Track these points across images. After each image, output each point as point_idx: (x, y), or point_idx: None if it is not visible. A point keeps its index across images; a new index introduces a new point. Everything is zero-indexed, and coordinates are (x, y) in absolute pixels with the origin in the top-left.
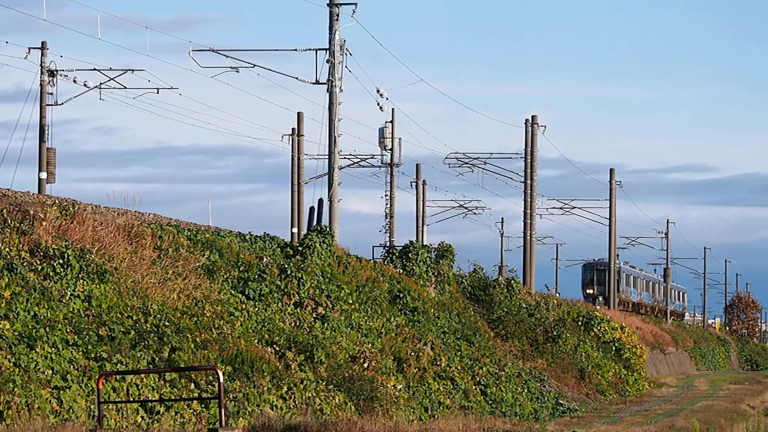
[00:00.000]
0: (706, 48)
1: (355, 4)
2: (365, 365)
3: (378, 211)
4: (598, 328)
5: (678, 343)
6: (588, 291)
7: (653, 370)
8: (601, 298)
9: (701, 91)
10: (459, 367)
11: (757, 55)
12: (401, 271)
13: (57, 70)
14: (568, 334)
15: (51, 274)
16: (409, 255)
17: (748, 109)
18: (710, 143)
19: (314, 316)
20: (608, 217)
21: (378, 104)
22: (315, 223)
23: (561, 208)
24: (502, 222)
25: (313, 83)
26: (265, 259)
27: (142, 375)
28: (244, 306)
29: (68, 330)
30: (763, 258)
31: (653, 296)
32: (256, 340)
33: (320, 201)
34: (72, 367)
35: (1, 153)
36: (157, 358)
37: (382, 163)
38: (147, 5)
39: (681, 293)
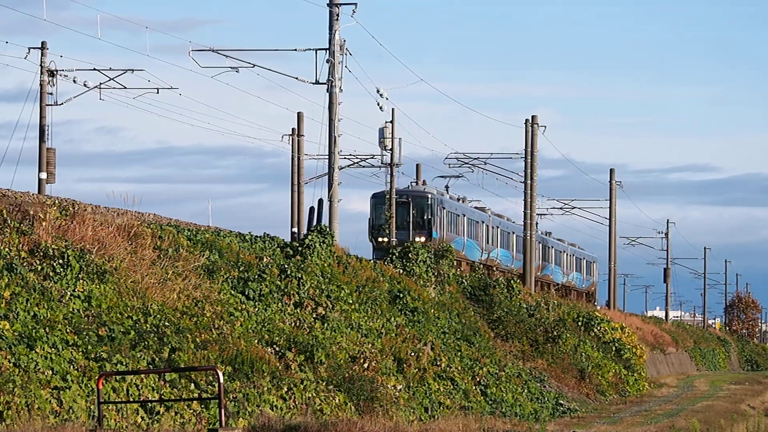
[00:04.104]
0: (708, 48)
1: (355, 4)
2: (365, 365)
3: None
4: (599, 328)
5: (678, 344)
6: (380, 239)
7: (653, 370)
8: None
9: (703, 91)
10: (459, 368)
11: (759, 55)
12: (401, 271)
13: (57, 70)
14: (568, 335)
15: (51, 274)
16: (409, 255)
17: (750, 110)
18: (712, 143)
19: (314, 316)
20: (608, 217)
21: (378, 104)
22: (315, 223)
23: (561, 209)
24: None
25: (313, 83)
26: (265, 259)
27: (142, 375)
28: (244, 306)
29: (68, 330)
30: (763, 258)
31: (521, 256)
32: (256, 341)
33: (320, 201)
34: (72, 367)
35: (2, 153)
36: (157, 359)
37: (382, 163)
38: (147, 6)
39: (587, 263)
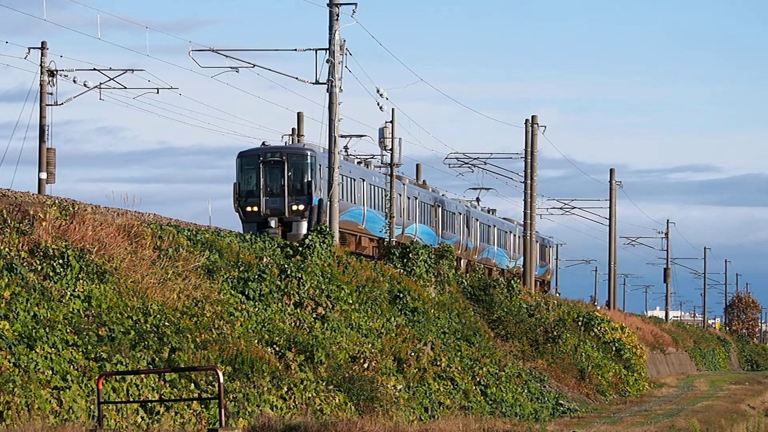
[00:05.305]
0: (709, 48)
1: (355, 4)
2: (365, 365)
3: None
4: (599, 328)
5: (678, 344)
6: (249, 209)
7: (653, 370)
8: (277, 225)
9: (704, 91)
10: (459, 368)
11: (761, 55)
12: (401, 271)
13: (57, 70)
14: (568, 335)
15: (51, 274)
16: (409, 255)
17: (751, 109)
18: (713, 143)
19: (314, 316)
20: (608, 217)
21: (378, 104)
22: (315, 223)
23: (561, 209)
24: None
25: (313, 83)
26: (265, 259)
27: (142, 375)
28: (244, 306)
29: (68, 330)
30: (763, 258)
31: (451, 235)
32: (256, 341)
33: (320, 201)
34: (72, 367)
35: (2, 153)
36: (157, 359)
37: (382, 163)
38: (147, 6)
39: (540, 247)
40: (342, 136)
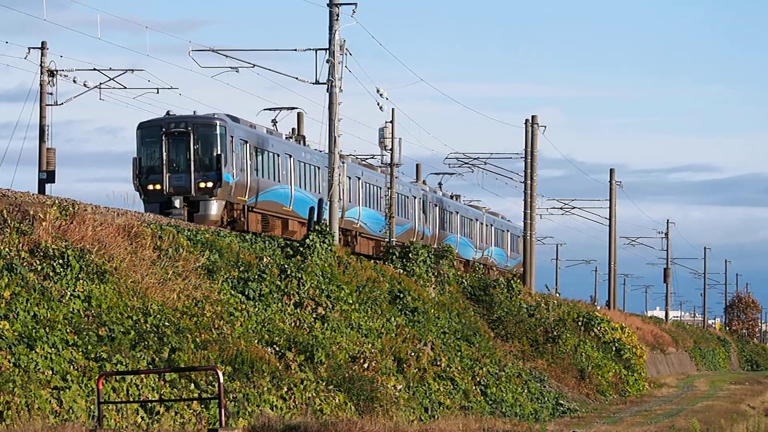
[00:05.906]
0: (709, 48)
1: (355, 4)
2: (365, 365)
3: None
4: (599, 328)
5: (678, 344)
6: (151, 187)
7: (653, 370)
8: (182, 205)
9: (705, 91)
10: (459, 368)
11: (761, 55)
12: (401, 271)
13: (57, 70)
14: (568, 335)
15: (51, 274)
16: (409, 255)
17: (751, 110)
18: (713, 143)
19: (314, 316)
20: (608, 217)
21: (378, 104)
22: (315, 222)
23: (561, 209)
24: None
25: (313, 83)
26: (265, 259)
27: (142, 375)
28: (244, 306)
29: (68, 330)
30: (763, 258)
31: (404, 221)
32: (256, 341)
33: (320, 201)
34: (72, 367)
35: (2, 153)
36: (157, 359)
37: (382, 163)
38: (147, 6)
39: (513, 237)
40: (269, 109)
